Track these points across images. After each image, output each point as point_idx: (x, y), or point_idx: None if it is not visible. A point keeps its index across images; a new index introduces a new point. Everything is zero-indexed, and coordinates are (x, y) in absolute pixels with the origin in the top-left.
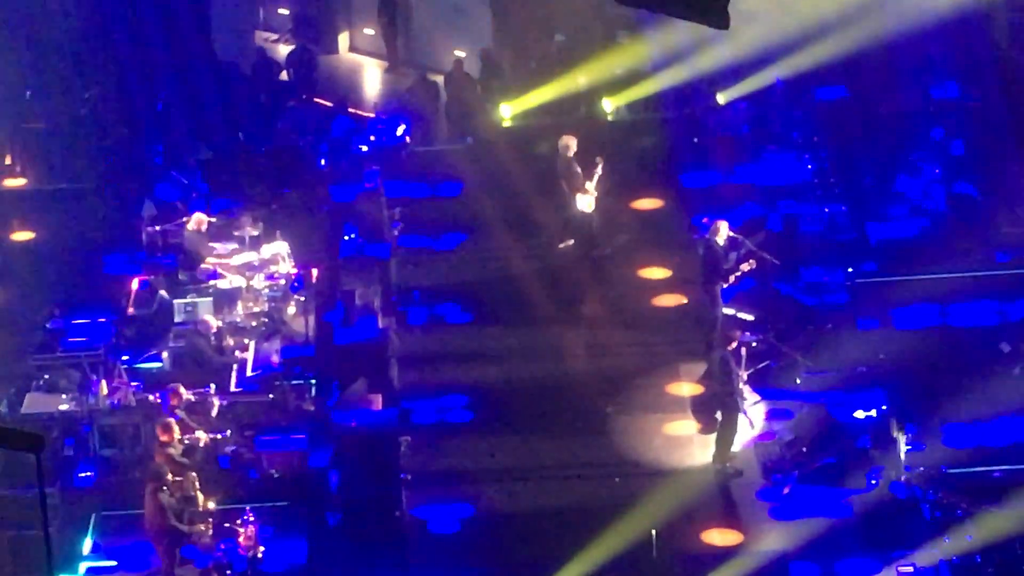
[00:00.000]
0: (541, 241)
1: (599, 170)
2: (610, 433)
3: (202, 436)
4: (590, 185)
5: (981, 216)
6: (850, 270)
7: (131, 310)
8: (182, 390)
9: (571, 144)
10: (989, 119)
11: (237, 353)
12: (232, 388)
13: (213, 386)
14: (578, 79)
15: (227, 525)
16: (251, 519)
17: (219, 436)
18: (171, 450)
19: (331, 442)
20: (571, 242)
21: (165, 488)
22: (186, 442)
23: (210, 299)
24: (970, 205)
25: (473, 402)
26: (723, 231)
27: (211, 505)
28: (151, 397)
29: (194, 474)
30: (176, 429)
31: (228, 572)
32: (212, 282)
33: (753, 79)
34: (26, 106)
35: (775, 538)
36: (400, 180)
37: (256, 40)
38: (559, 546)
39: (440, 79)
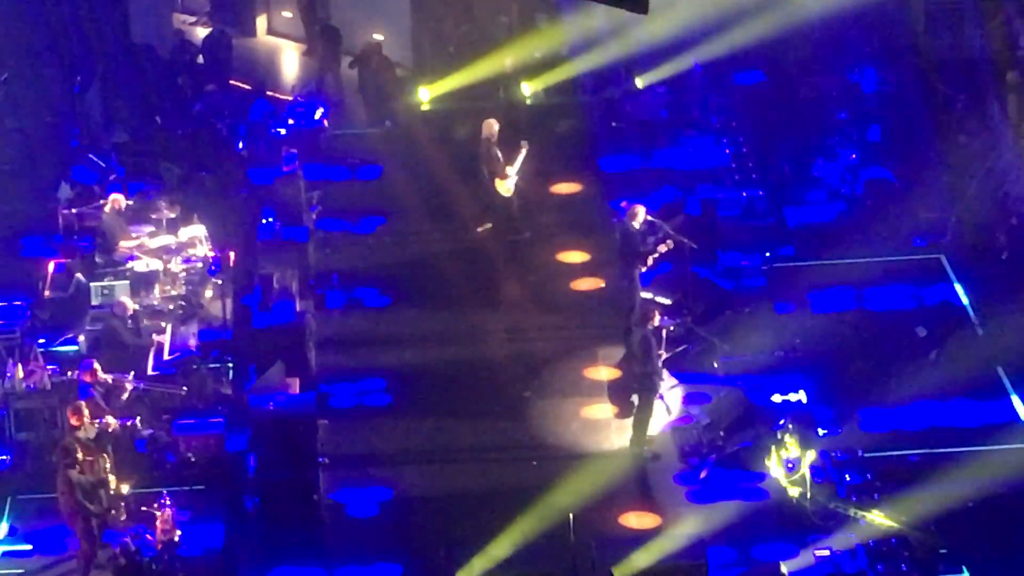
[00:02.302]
0: (460, 225)
1: (522, 154)
2: (528, 417)
3: (111, 422)
4: (511, 169)
5: (898, 201)
6: (767, 254)
7: (47, 293)
8: (97, 367)
9: (493, 128)
10: (905, 105)
11: (154, 336)
12: (149, 371)
13: (132, 374)
14: (497, 63)
15: (144, 509)
16: (168, 503)
17: (129, 423)
18: (80, 433)
19: (248, 426)
20: (489, 226)
21: (76, 466)
22: (96, 426)
23: (127, 282)
24: (887, 190)
25: (391, 385)
26: (640, 215)
27: (124, 489)
28: (69, 373)
29: (105, 456)
30: (87, 413)
31: (143, 556)
32: (129, 265)
33: (671, 63)
34: None
35: (692, 521)
36: (318, 163)
37: (174, 22)
38: (477, 529)
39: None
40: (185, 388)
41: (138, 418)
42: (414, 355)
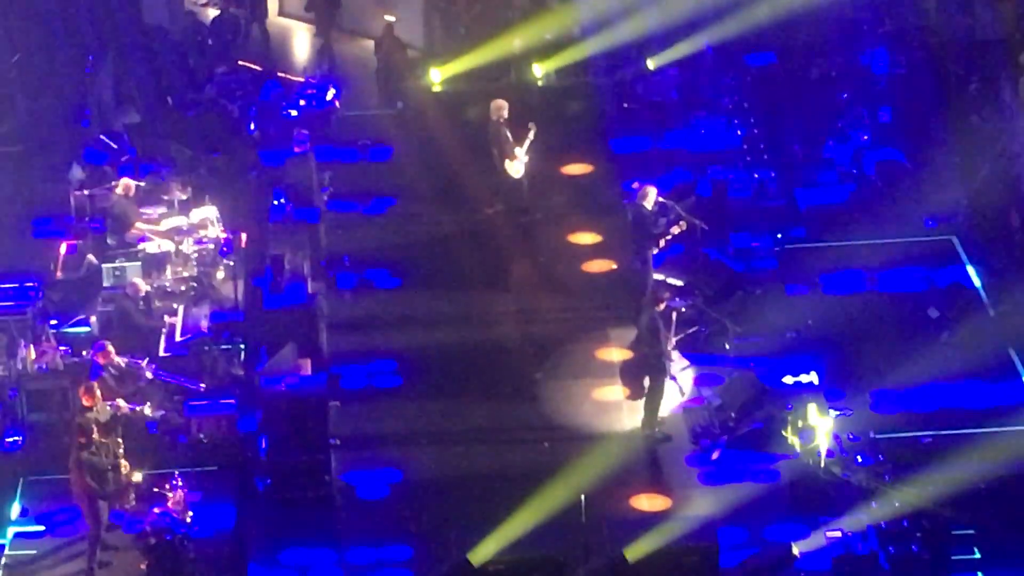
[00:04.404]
0: (470, 206)
1: (531, 136)
2: (539, 398)
3: (122, 404)
4: (520, 151)
5: (909, 183)
6: (779, 236)
7: (59, 274)
8: (110, 348)
9: (502, 109)
10: (917, 86)
11: (166, 318)
12: (161, 353)
13: (146, 360)
14: (508, 44)
15: (156, 490)
16: (180, 484)
17: (139, 408)
18: (92, 414)
19: (260, 407)
20: (500, 207)
21: (90, 447)
22: (109, 408)
23: (139, 263)
24: (898, 172)
25: (402, 367)
26: (651, 196)
27: (136, 477)
28: (84, 352)
29: (118, 440)
30: (99, 394)
31: (155, 538)
32: (141, 246)
33: (683, 45)
34: None
35: (704, 503)
36: (330, 145)
37: (185, 4)
38: (488, 511)
39: (370, 43)
40: (203, 385)
41: (148, 405)
42: (425, 337)
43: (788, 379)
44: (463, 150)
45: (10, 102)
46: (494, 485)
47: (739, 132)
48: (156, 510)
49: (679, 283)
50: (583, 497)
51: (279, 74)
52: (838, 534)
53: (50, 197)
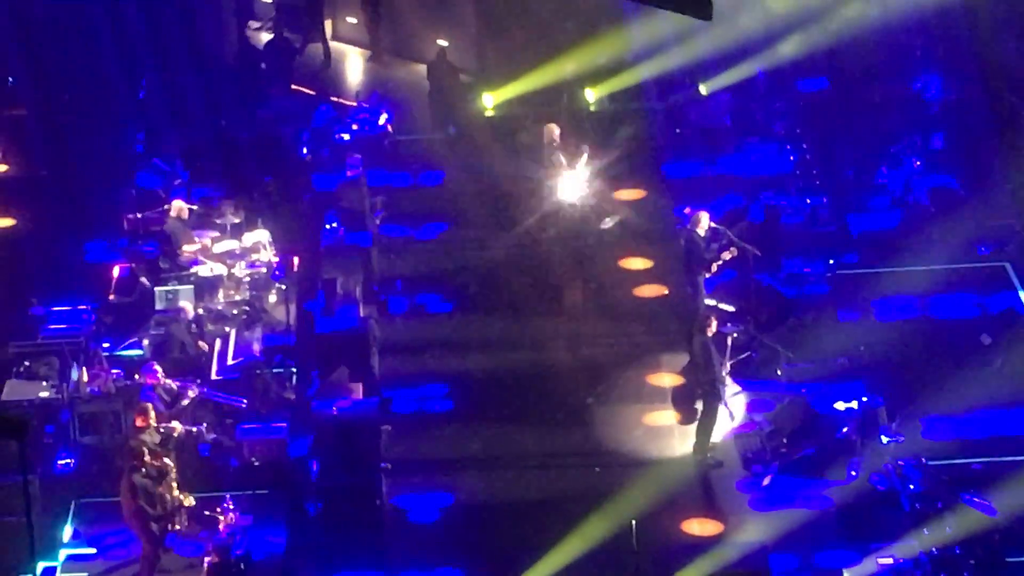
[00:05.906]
0: (522, 231)
1: (584, 159)
2: (591, 423)
3: (177, 426)
4: (572, 174)
5: (962, 209)
6: (831, 261)
7: (112, 297)
8: (160, 370)
9: (554, 133)
10: (969, 112)
11: (218, 341)
12: (213, 376)
13: (198, 382)
14: (561, 69)
15: (207, 513)
16: (231, 507)
17: (195, 429)
18: (146, 436)
19: (311, 431)
20: (552, 232)
21: (141, 469)
22: (162, 431)
23: (191, 287)
24: (951, 198)
25: (454, 391)
26: (704, 221)
27: (188, 501)
28: (136, 375)
29: (170, 463)
30: (153, 415)
31: (209, 560)
32: (193, 270)
33: (735, 70)
34: (8, 93)
35: (755, 529)
36: (382, 169)
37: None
38: (539, 536)
39: (423, 68)
40: (245, 401)
41: (204, 425)
42: (476, 361)
43: (840, 405)
44: (515, 175)
45: (65, 125)
46: (545, 510)
47: (791, 158)
48: (221, 532)
49: (731, 309)
50: (634, 522)
51: (332, 98)
52: (889, 560)
53: (103, 220)
